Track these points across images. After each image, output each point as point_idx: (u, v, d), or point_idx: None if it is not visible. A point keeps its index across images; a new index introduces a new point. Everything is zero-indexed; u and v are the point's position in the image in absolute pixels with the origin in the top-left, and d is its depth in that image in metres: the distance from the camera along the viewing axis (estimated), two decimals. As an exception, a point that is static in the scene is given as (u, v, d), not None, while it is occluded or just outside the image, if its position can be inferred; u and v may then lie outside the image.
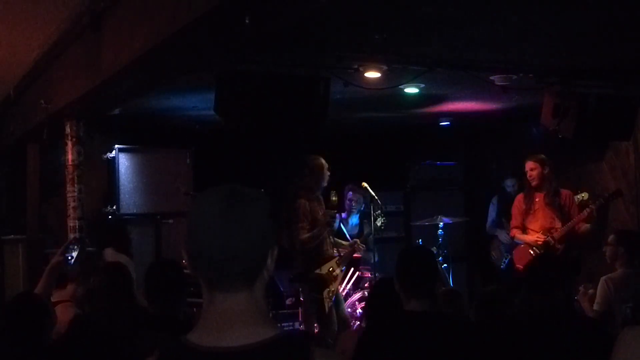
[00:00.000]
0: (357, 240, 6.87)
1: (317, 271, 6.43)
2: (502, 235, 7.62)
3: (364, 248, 6.88)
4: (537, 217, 6.62)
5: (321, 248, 6.49)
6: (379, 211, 6.82)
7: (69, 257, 4.06)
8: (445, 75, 6.03)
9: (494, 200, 8.22)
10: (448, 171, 9.83)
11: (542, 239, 6.49)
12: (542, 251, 6.36)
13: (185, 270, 3.41)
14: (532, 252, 6.46)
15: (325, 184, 6.57)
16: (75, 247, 4.13)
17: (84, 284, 4.37)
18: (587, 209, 6.46)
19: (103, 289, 3.73)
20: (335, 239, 6.83)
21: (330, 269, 6.47)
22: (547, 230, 6.54)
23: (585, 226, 6.54)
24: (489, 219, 8.18)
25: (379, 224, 6.80)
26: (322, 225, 6.43)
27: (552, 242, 6.45)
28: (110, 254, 5.88)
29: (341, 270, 6.62)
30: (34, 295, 3.63)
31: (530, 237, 6.61)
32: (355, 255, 6.96)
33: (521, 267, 6.30)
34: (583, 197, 6.81)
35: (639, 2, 4.21)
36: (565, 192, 6.71)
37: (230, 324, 1.50)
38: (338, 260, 6.56)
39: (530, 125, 8.25)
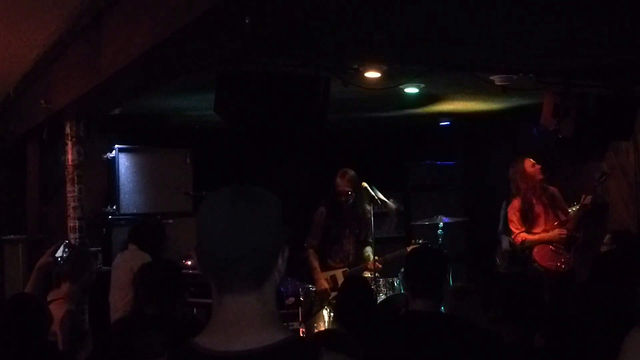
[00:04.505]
0: (376, 258, 6.56)
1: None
2: (505, 242, 7.19)
3: (379, 267, 6.62)
4: (540, 219, 6.53)
5: (328, 255, 6.53)
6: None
7: (59, 259, 4.09)
8: (445, 75, 6.03)
9: (504, 205, 7.88)
10: (448, 171, 9.83)
11: (566, 232, 6.39)
12: (565, 245, 6.36)
13: (183, 270, 3.41)
14: (552, 248, 6.38)
15: (338, 193, 6.48)
16: (66, 249, 4.16)
17: (78, 282, 4.39)
18: (588, 198, 6.45)
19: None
20: (370, 254, 6.56)
21: (332, 276, 6.42)
22: (557, 226, 6.49)
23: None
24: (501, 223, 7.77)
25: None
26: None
27: (571, 233, 6.41)
28: (132, 250, 5.88)
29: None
30: (30, 296, 3.63)
31: (549, 234, 6.46)
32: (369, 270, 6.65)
33: (547, 265, 6.33)
34: None
35: (639, 3, 4.21)
36: (552, 187, 6.67)
37: (240, 327, 1.48)
38: (345, 272, 6.47)
39: (530, 125, 8.23)
